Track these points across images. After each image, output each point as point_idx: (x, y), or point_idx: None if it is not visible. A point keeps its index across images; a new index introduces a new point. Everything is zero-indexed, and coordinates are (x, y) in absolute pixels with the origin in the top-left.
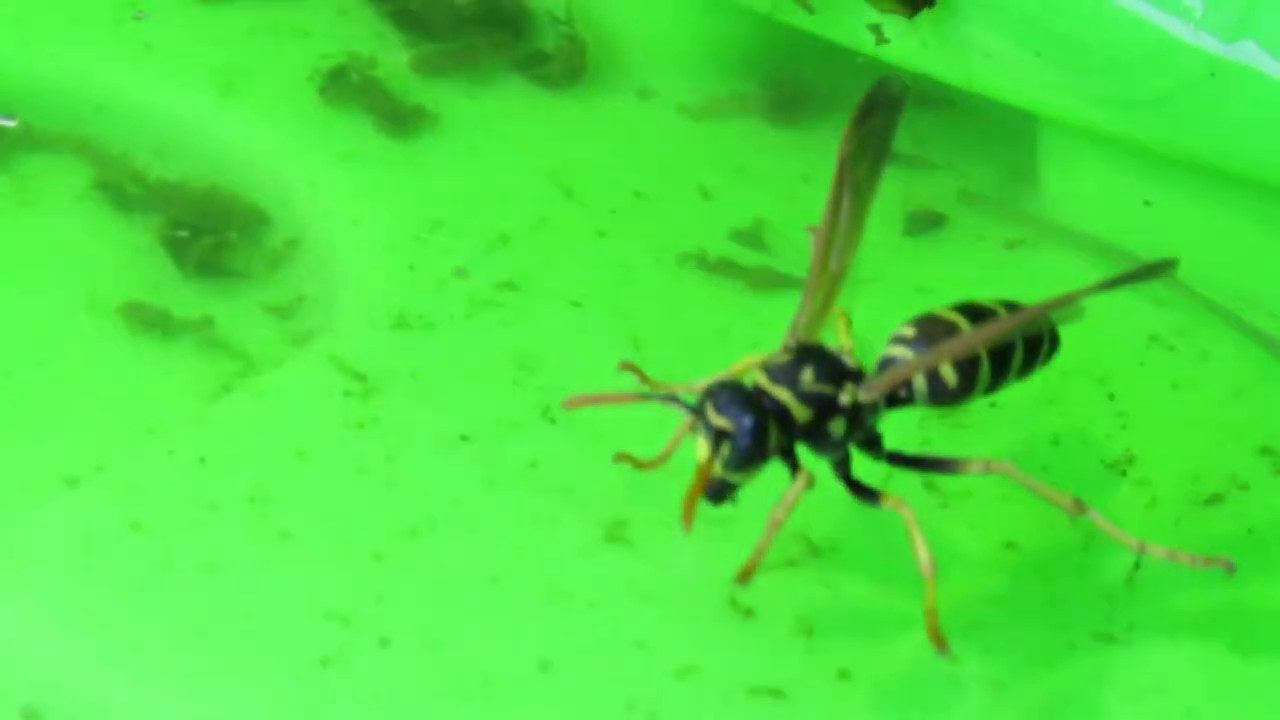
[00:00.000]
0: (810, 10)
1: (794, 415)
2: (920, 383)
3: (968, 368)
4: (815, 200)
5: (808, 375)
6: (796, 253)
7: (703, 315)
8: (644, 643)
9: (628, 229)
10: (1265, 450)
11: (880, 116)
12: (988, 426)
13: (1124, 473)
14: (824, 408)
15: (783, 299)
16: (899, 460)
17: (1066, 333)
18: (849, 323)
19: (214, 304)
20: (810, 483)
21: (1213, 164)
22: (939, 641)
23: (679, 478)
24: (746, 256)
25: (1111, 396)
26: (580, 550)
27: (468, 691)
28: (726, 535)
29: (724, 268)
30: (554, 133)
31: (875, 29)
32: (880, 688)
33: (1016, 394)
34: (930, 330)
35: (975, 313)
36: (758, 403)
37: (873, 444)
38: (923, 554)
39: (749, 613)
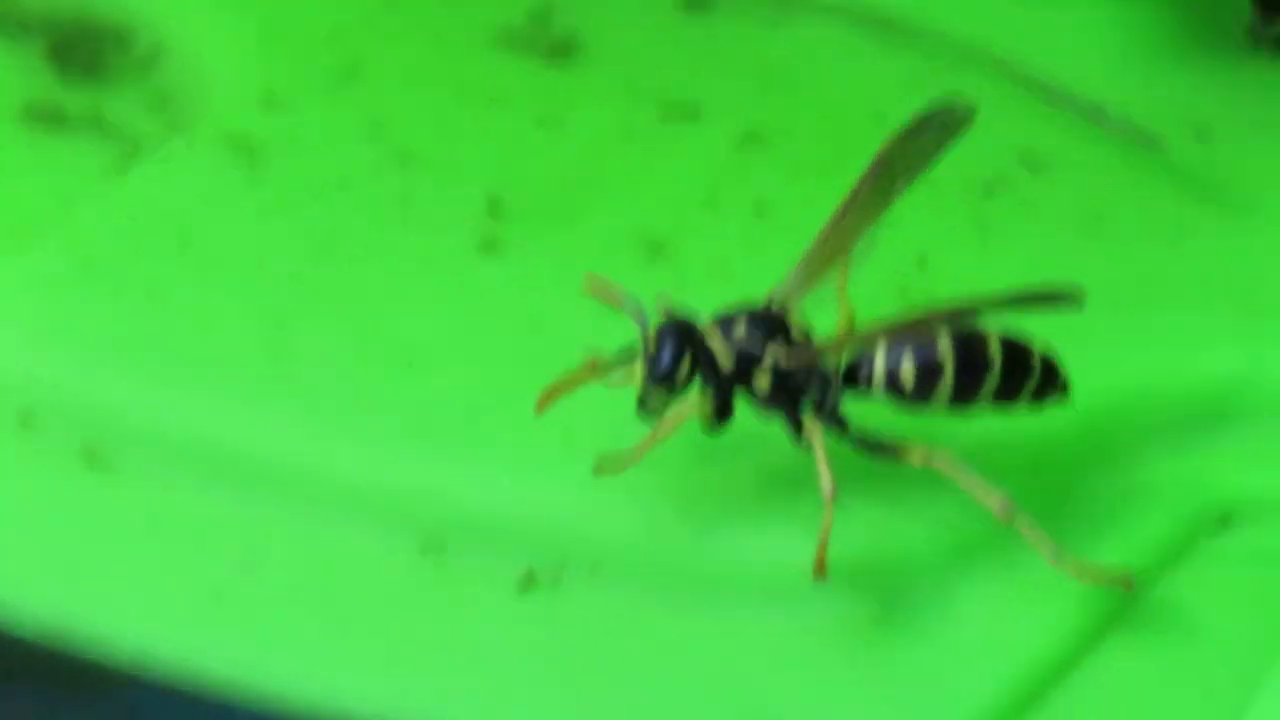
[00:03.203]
0: None
1: (719, 361)
2: (879, 374)
3: (927, 372)
4: None
5: (741, 328)
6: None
7: (496, 80)
8: None
9: (445, 17)
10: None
11: (934, 134)
12: None
13: None
14: (746, 361)
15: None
16: (854, 440)
17: None
18: (850, 308)
19: (99, 100)
20: (700, 413)
21: None
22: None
23: None
24: (541, 32)
25: None
26: (460, 257)
27: (397, 366)
28: None
29: (520, 40)
30: None
31: None
32: None
33: None
34: (904, 328)
35: (967, 341)
36: (687, 337)
37: (833, 419)
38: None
39: None
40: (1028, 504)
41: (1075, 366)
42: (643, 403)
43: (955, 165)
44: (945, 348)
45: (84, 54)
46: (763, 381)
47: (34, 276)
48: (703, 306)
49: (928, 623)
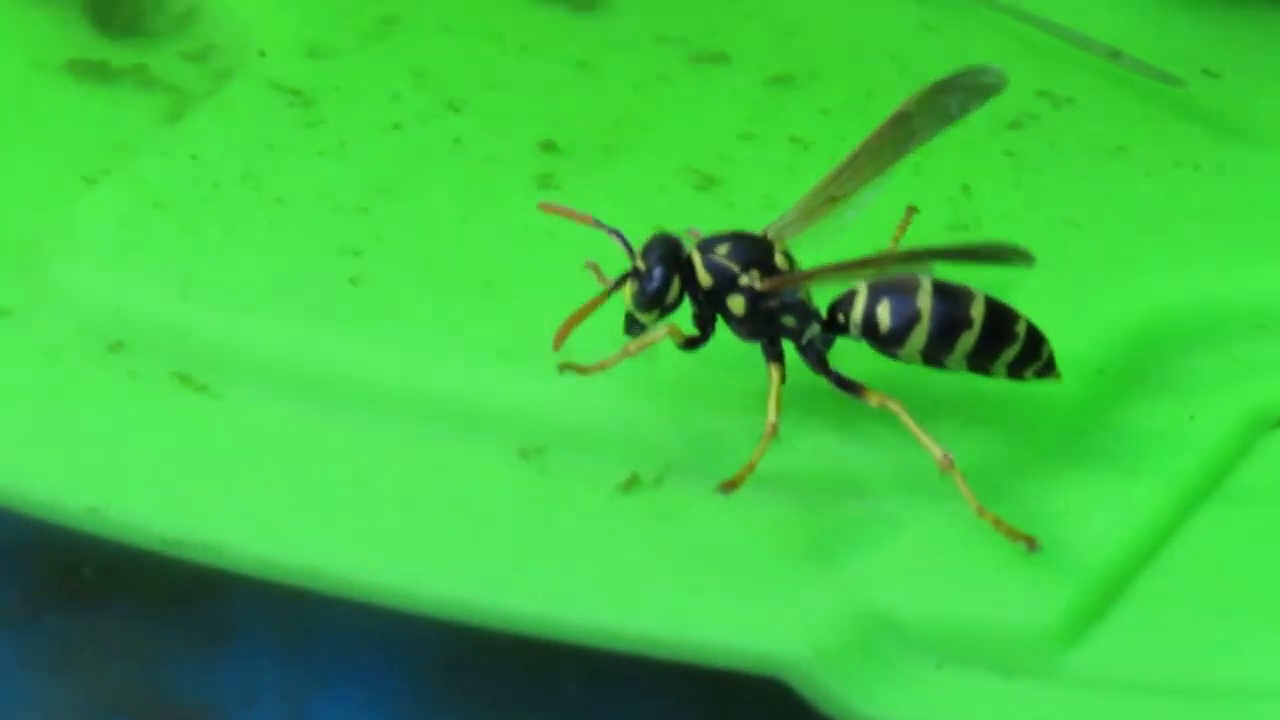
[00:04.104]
0: None
1: (698, 277)
2: (856, 316)
3: (904, 320)
4: None
5: (723, 248)
6: None
7: (528, 28)
8: None
9: None
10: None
11: (959, 95)
12: None
13: None
14: (723, 280)
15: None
16: (818, 365)
17: None
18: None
19: (142, 55)
20: (674, 336)
21: None
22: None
23: None
24: None
25: None
26: (513, 191)
27: (476, 289)
28: None
29: None
30: None
31: None
32: None
33: None
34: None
35: (950, 295)
36: (673, 255)
37: (809, 352)
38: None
39: None
40: (1090, 409)
41: (1118, 283)
42: (632, 320)
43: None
44: (926, 299)
45: (122, 13)
46: (737, 303)
47: (110, 216)
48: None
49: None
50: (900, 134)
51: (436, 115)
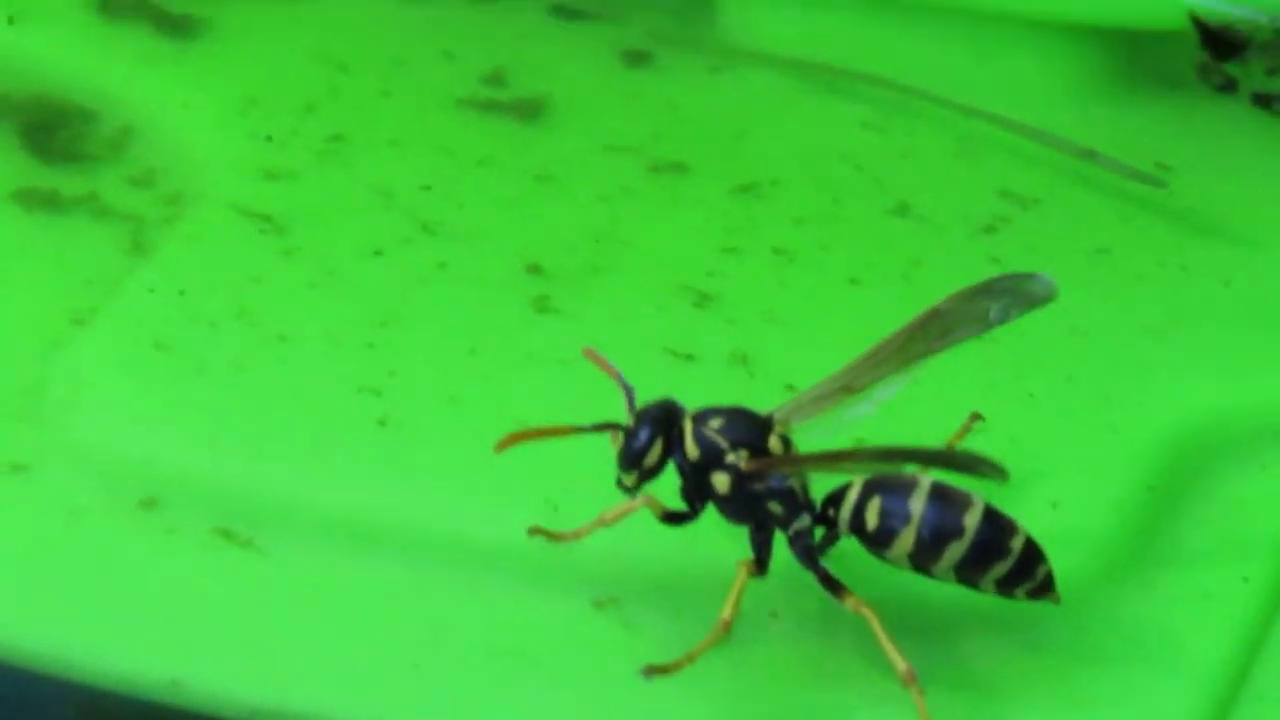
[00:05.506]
0: None
1: (685, 448)
2: (846, 510)
3: (892, 518)
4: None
5: (716, 422)
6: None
7: (471, 137)
8: None
9: (406, 84)
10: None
11: (1002, 301)
12: None
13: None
14: (709, 455)
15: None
16: (804, 557)
17: None
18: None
19: (89, 182)
20: (652, 507)
21: None
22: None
23: None
24: (500, 94)
25: None
26: (512, 317)
27: (506, 426)
28: None
29: (485, 104)
30: (301, 19)
31: None
32: None
33: None
34: (891, 477)
35: (944, 500)
36: (664, 420)
37: (796, 543)
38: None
39: None
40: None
41: (1140, 393)
42: (620, 479)
43: (947, 205)
44: (920, 501)
45: (59, 136)
46: (721, 481)
47: (110, 359)
48: (755, 351)
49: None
50: (931, 331)
51: (413, 239)
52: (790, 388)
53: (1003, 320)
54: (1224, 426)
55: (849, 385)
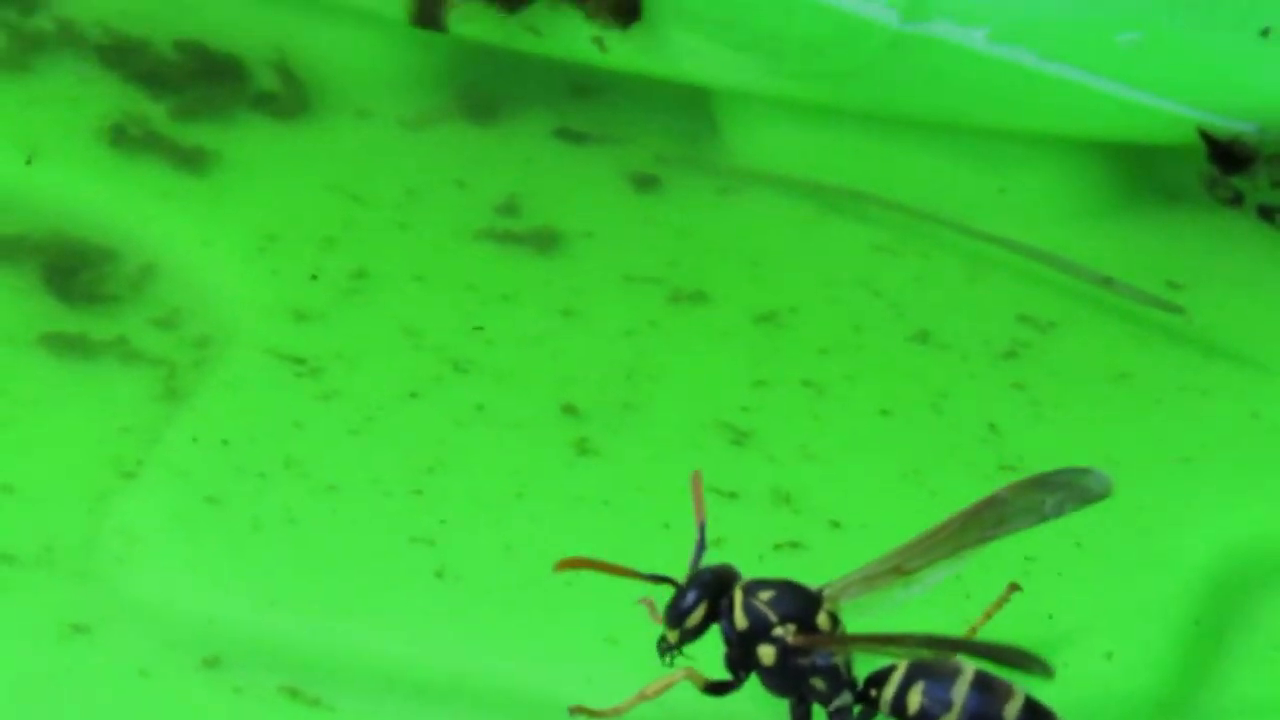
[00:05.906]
0: (539, 34)
1: (734, 618)
2: (889, 692)
3: (934, 703)
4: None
5: (766, 594)
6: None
7: (492, 270)
8: None
9: (421, 216)
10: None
11: (1058, 495)
12: None
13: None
14: (757, 626)
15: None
16: None
17: None
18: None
19: (115, 325)
20: (694, 679)
21: (895, 116)
22: None
23: None
24: (514, 224)
25: None
26: (554, 459)
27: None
28: None
29: (502, 235)
30: (311, 151)
31: (598, 41)
32: None
33: None
34: (935, 663)
35: (987, 689)
36: (715, 585)
37: (837, 718)
38: None
39: None
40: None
41: (1181, 524)
42: (663, 635)
43: (967, 330)
44: (963, 688)
45: (81, 278)
46: (767, 653)
47: (161, 514)
48: (796, 488)
49: None
50: (987, 520)
51: (446, 378)
52: (835, 524)
53: (1058, 514)
54: (1264, 555)
55: (900, 567)
